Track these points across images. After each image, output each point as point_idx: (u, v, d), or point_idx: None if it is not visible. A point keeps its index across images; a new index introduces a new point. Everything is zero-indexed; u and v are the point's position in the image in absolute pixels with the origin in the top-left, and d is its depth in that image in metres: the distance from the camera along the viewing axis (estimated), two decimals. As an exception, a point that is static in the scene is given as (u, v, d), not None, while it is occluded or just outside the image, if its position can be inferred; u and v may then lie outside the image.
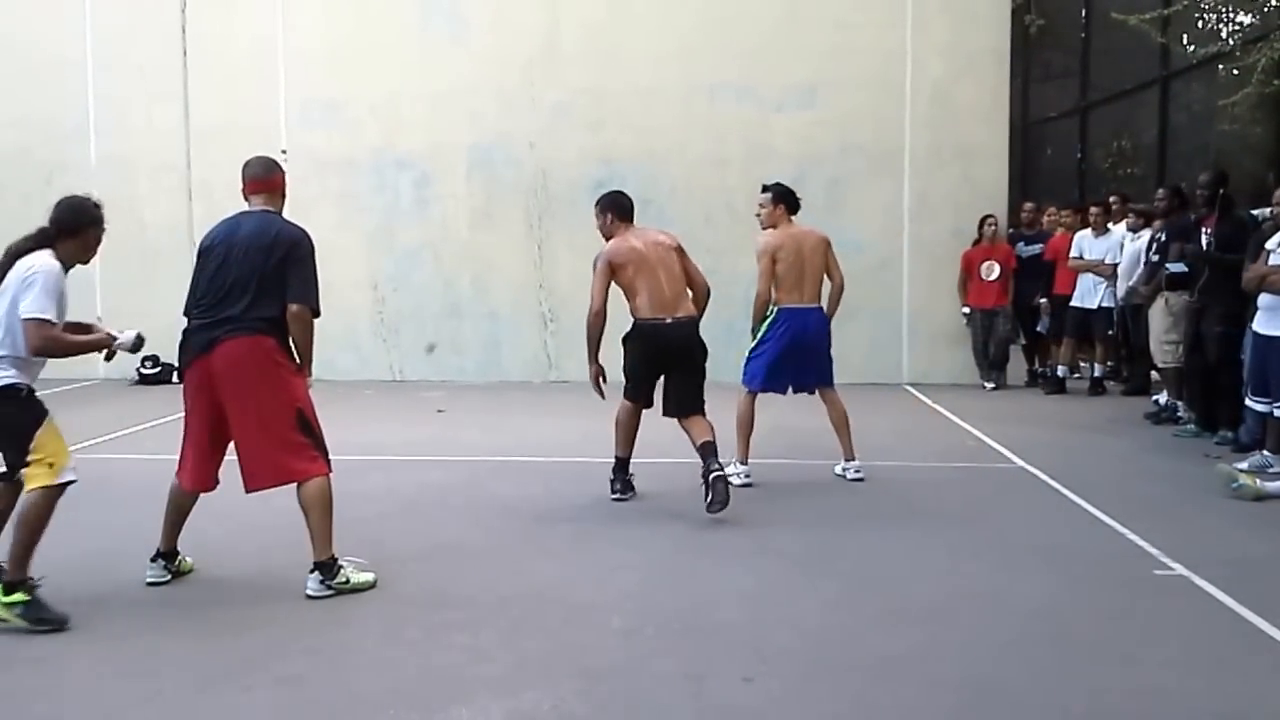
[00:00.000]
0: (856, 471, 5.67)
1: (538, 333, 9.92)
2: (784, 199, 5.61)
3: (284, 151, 10.00)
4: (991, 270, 9.12)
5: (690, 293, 5.19)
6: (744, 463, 5.54)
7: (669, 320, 5.06)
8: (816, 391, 5.74)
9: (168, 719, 2.93)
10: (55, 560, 4.34)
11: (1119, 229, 8.58)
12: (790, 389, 5.72)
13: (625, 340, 5.17)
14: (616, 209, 5.25)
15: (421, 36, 9.82)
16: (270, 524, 4.95)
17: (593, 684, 3.10)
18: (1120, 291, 8.28)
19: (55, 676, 3.21)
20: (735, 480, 5.48)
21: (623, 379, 5.25)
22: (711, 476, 4.78)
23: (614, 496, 5.30)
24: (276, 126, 9.94)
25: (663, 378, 5.19)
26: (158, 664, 3.28)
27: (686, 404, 5.09)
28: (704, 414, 5.07)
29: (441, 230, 9.98)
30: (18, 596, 3.57)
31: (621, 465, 5.34)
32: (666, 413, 5.17)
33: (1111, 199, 8.88)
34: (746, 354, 5.70)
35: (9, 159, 10.19)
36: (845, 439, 5.69)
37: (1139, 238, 8.14)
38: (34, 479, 3.64)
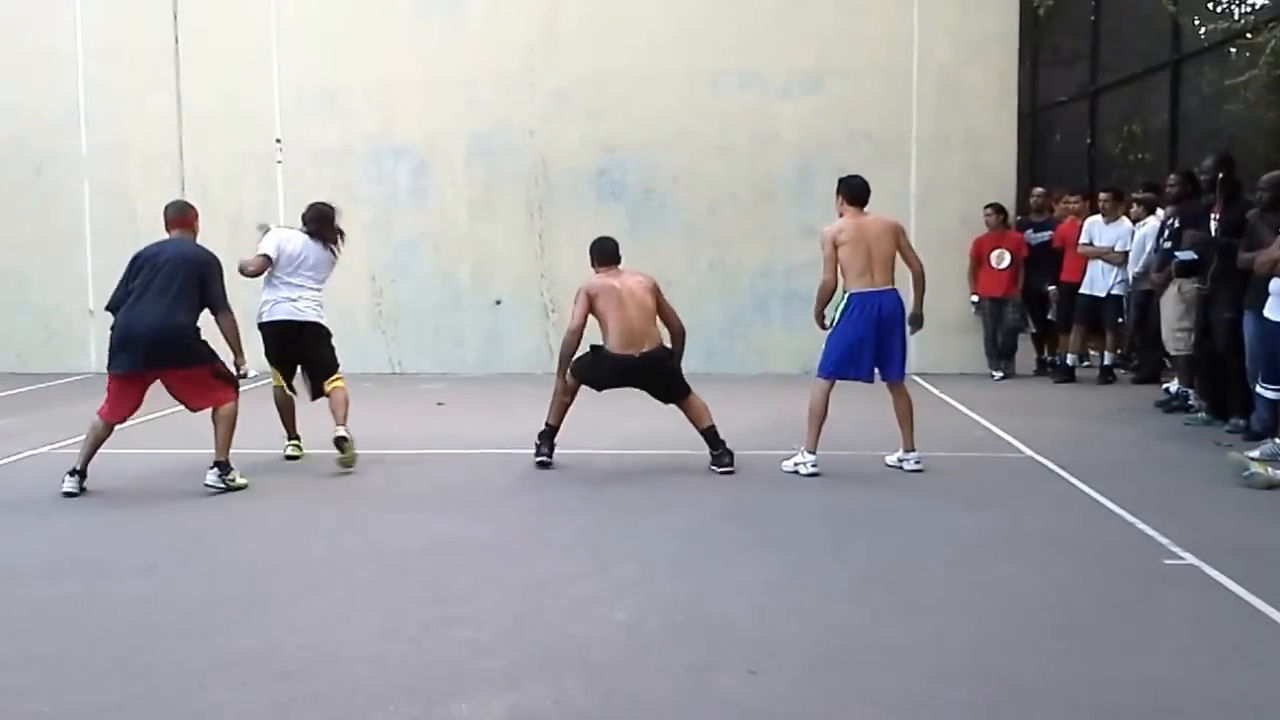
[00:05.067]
0: (916, 463, 5.59)
1: (539, 324, 9.85)
2: (843, 187, 5.67)
3: (278, 141, 9.94)
4: (1002, 259, 9.04)
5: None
6: (812, 451, 5.46)
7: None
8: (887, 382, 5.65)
9: (164, 715, 2.88)
10: (46, 561, 4.30)
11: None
12: (874, 379, 5.62)
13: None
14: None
15: (418, 22, 9.71)
16: (269, 515, 4.91)
17: (595, 678, 3.05)
18: (1129, 279, 8.21)
19: (50, 673, 3.16)
20: (801, 470, 5.44)
21: None
22: None
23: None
24: (271, 115, 9.85)
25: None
26: (154, 660, 3.23)
27: None
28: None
29: (440, 220, 9.89)
30: (347, 447, 5.68)
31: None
32: None
33: (1105, 193, 8.74)
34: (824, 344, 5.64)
35: (-2, 149, 10.11)
36: (908, 431, 5.63)
37: (1145, 224, 8.07)
38: (337, 381, 5.89)
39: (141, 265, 5.26)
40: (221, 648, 3.30)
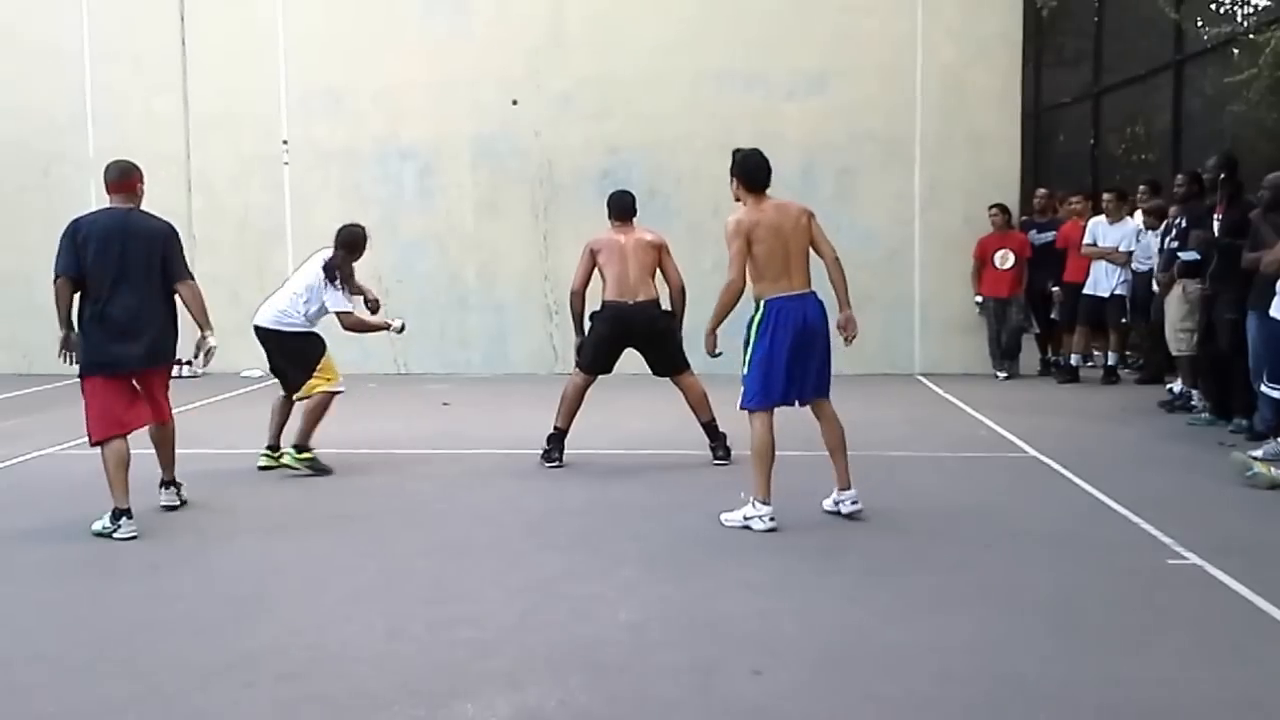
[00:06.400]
0: (854, 503, 4.72)
1: (543, 324, 9.87)
2: (737, 169, 4.67)
3: (285, 143, 9.96)
4: (1006, 259, 9.03)
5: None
6: (765, 502, 4.57)
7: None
8: (810, 405, 4.74)
9: (168, 715, 2.89)
10: (50, 561, 4.32)
11: (1134, 217, 8.48)
12: (797, 402, 4.74)
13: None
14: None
15: (424, 24, 9.73)
16: (272, 514, 4.93)
17: (599, 678, 3.06)
18: (1155, 286, 8.09)
19: (54, 673, 3.17)
20: (755, 525, 4.54)
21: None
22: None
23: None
24: (277, 117, 9.88)
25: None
26: (158, 661, 3.24)
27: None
28: None
29: (446, 221, 9.91)
30: (306, 455, 5.60)
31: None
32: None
33: (1108, 193, 8.72)
34: (743, 368, 4.72)
35: (5, 151, 10.11)
36: (843, 463, 4.73)
37: (1160, 230, 8.01)
38: (316, 387, 5.58)
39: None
40: (225, 647, 3.31)
